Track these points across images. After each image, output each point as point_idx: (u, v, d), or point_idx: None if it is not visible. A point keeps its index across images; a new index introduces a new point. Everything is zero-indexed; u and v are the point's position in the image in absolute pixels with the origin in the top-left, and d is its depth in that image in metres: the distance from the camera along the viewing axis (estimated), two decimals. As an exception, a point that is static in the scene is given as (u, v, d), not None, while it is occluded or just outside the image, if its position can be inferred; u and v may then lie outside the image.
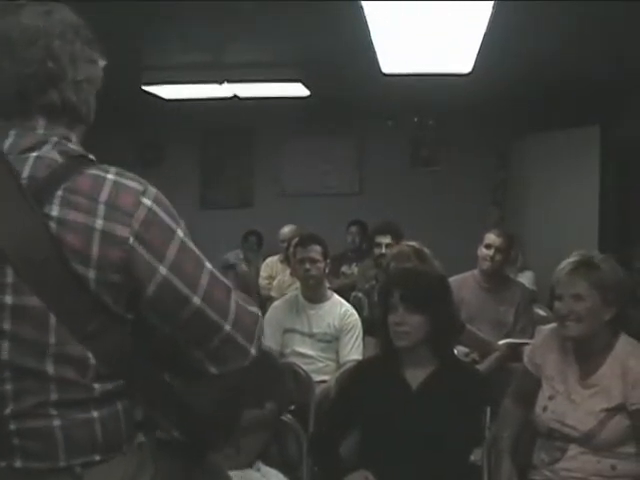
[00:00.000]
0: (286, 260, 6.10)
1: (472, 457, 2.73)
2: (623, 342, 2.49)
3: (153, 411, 1.34)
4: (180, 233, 1.27)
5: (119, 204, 1.21)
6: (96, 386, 1.23)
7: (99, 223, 1.20)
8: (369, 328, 3.88)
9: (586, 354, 2.51)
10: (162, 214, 1.25)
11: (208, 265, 1.30)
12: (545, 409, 2.54)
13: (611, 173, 6.74)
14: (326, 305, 3.98)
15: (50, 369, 1.20)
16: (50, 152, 1.25)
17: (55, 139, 1.27)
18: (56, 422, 1.22)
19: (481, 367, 3.52)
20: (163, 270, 1.23)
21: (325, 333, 3.90)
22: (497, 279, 4.32)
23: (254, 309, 1.37)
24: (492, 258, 4.23)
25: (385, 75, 4.82)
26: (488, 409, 2.94)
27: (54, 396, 1.21)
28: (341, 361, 3.86)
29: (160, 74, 5.73)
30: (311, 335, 3.91)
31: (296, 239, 4.68)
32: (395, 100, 6.98)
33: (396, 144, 8.12)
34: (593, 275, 2.44)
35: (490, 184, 8.04)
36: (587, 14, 4.08)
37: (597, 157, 6.46)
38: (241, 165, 8.42)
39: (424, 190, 8.03)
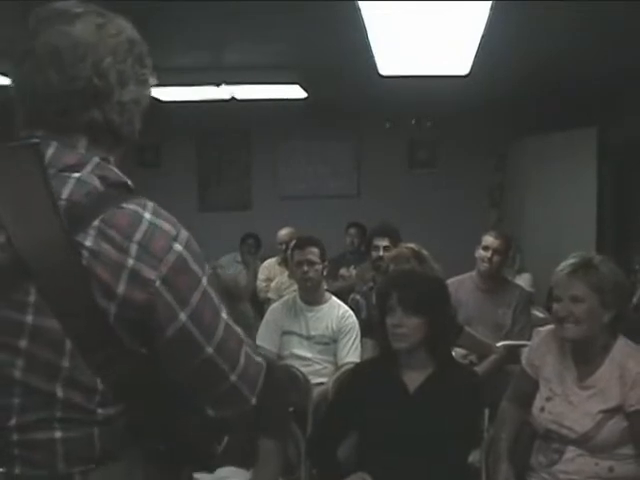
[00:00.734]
0: (284, 262, 6.09)
1: (470, 459, 2.73)
2: (621, 344, 2.49)
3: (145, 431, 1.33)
4: (204, 281, 1.26)
5: (151, 246, 1.20)
6: (100, 411, 1.23)
7: (130, 262, 1.18)
8: (367, 330, 3.88)
9: (584, 356, 2.51)
10: (191, 260, 1.24)
11: (224, 315, 1.30)
12: (543, 411, 2.54)
13: (608, 175, 6.75)
14: (324, 307, 3.98)
15: (59, 392, 1.20)
16: (90, 176, 1.22)
17: (96, 160, 1.25)
18: (57, 435, 1.21)
19: (479, 369, 3.52)
20: (183, 316, 1.22)
21: (323, 335, 3.90)
22: (495, 281, 4.32)
23: (259, 359, 1.37)
24: (490, 260, 4.24)
25: (383, 77, 4.82)
26: (486, 411, 2.94)
27: (59, 414, 1.21)
28: (339, 363, 3.86)
29: (157, 76, 5.72)
30: (309, 337, 3.91)
31: (294, 241, 4.67)
32: (393, 102, 6.98)
33: (394, 146, 8.13)
34: (592, 277, 2.44)
35: (488, 186, 8.05)
36: (584, 16, 4.09)
37: (594, 159, 6.47)
38: (239, 167, 8.42)
39: (422, 192, 8.03)
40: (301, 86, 5.91)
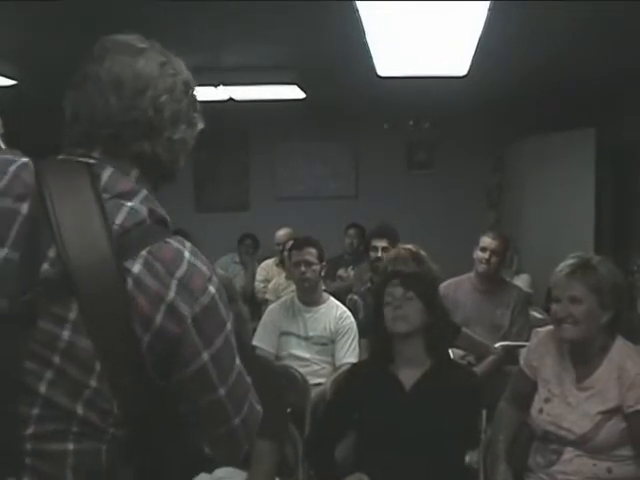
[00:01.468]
0: (282, 263, 6.09)
1: (468, 459, 2.73)
2: (619, 345, 2.49)
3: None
4: (229, 326, 1.31)
5: (190, 285, 1.24)
6: (111, 431, 1.25)
7: (170, 295, 1.22)
8: (365, 331, 3.87)
9: (582, 357, 2.51)
10: (220, 304, 1.29)
11: (238, 361, 1.35)
12: (541, 412, 2.54)
13: (606, 176, 6.75)
14: (322, 308, 3.98)
15: (79, 410, 1.22)
16: (141, 207, 1.26)
17: (145, 192, 1.29)
18: (70, 447, 1.23)
19: (477, 370, 3.51)
20: (206, 356, 1.26)
21: (321, 336, 3.90)
22: (493, 282, 4.32)
23: (259, 407, 1.41)
24: (488, 261, 4.24)
25: (381, 78, 4.82)
26: (484, 412, 2.94)
27: (75, 428, 1.23)
28: (337, 364, 3.86)
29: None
30: (307, 338, 3.91)
31: (291, 242, 4.67)
32: (391, 103, 6.98)
33: (392, 147, 8.13)
34: (590, 278, 2.44)
35: (486, 187, 8.05)
36: (584, 16, 4.09)
37: (592, 160, 6.47)
38: (237, 168, 8.42)
39: (420, 193, 8.03)
40: (299, 87, 5.91)
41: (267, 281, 6.24)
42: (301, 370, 3.59)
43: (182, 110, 1.34)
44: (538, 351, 2.65)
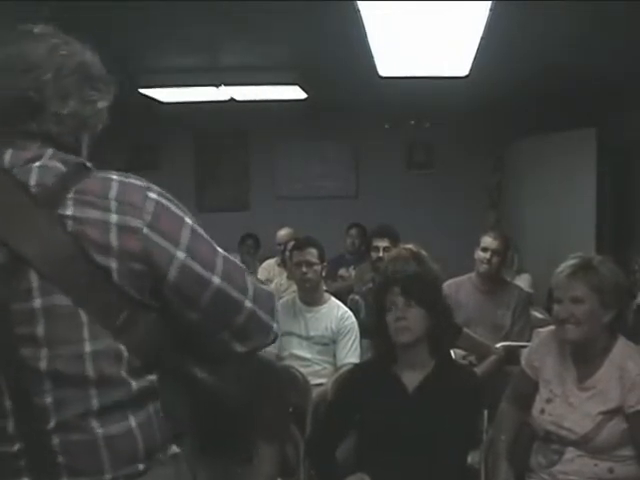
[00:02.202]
0: (283, 263, 6.09)
1: (469, 460, 2.73)
2: (621, 345, 2.49)
3: (183, 407, 1.38)
4: (188, 220, 1.32)
5: (128, 200, 1.27)
6: (132, 382, 1.26)
7: (114, 217, 1.24)
8: (366, 331, 3.87)
9: (584, 357, 2.51)
10: (169, 204, 1.31)
11: (219, 249, 1.36)
12: (542, 412, 2.54)
13: (607, 175, 6.75)
14: (323, 308, 3.98)
15: (89, 368, 1.23)
16: (52, 162, 1.29)
17: (51, 151, 1.31)
18: (99, 433, 1.24)
19: (478, 370, 3.51)
20: (181, 254, 1.28)
21: (322, 336, 3.90)
22: (494, 282, 4.32)
23: (269, 288, 1.44)
24: (489, 261, 4.24)
25: (382, 78, 4.83)
26: (485, 412, 2.94)
27: (95, 403, 1.23)
28: (338, 364, 3.86)
29: (157, 77, 5.73)
30: (308, 338, 3.91)
31: (292, 242, 4.67)
32: (392, 103, 6.98)
33: (393, 147, 8.13)
34: (592, 278, 2.44)
35: (486, 187, 8.05)
36: (584, 17, 4.09)
37: (593, 160, 6.46)
38: (238, 168, 8.42)
39: (420, 193, 8.03)
40: (300, 87, 5.91)
41: (268, 281, 6.23)
42: (302, 370, 3.59)
43: (70, 86, 1.33)
44: (539, 351, 2.65)
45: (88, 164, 1.33)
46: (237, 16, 4.14)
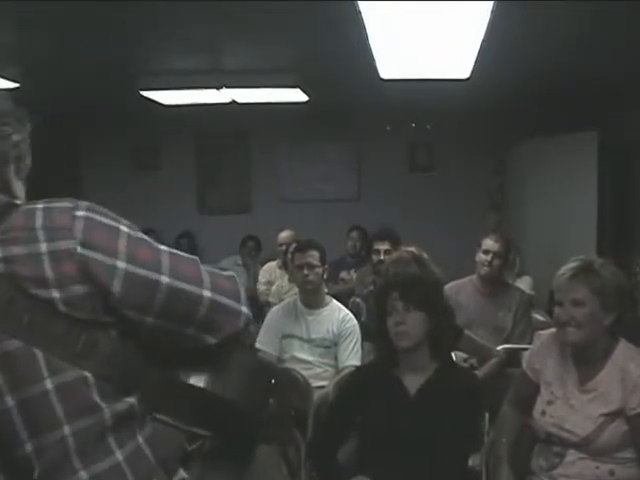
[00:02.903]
0: (284, 266, 6.09)
1: (470, 462, 2.72)
2: (622, 347, 2.49)
3: (180, 418, 1.33)
4: (124, 228, 1.29)
5: (55, 224, 1.24)
6: (104, 406, 1.22)
7: (44, 246, 1.21)
8: (367, 333, 3.87)
9: (585, 359, 2.51)
10: (100, 218, 1.28)
11: (164, 247, 1.32)
12: (543, 414, 2.54)
13: (609, 178, 6.74)
14: (325, 311, 3.98)
15: (57, 406, 1.20)
16: None
17: None
18: (84, 476, 1.21)
19: (480, 373, 3.51)
20: (121, 264, 1.24)
21: (324, 339, 3.90)
22: (495, 284, 4.32)
23: (228, 273, 1.39)
24: (490, 263, 4.23)
25: (383, 80, 4.83)
26: (486, 414, 2.93)
27: (72, 441, 1.20)
28: (339, 367, 3.86)
29: (158, 80, 5.74)
30: (309, 341, 3.91)
31: (294, 245, 4.67)
32: (393, 105, 6.98)
33: (394, 149, 8.13)
34: (593, 281, 2.44)
35: (488, 189, 8.05)
36: (585, 19, 4.09)
37: (595, 162, 6.46)
38: (239, 170, 8.42)
39: (422, 195, 8.03)
40: (302, 90, 5.91)
41: (270, 283, 6.24)
42: (303, 373, 3.59)
43: None
44: (541, 354, 2.65)
45: (17, 201, 1.32)
46: (238, 18, 4.14)
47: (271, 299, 5.71)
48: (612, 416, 2.41)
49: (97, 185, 7.64)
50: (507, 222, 7.69)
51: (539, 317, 4.69)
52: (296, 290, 4.28)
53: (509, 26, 3.82)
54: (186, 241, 7.62)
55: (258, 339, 3.90)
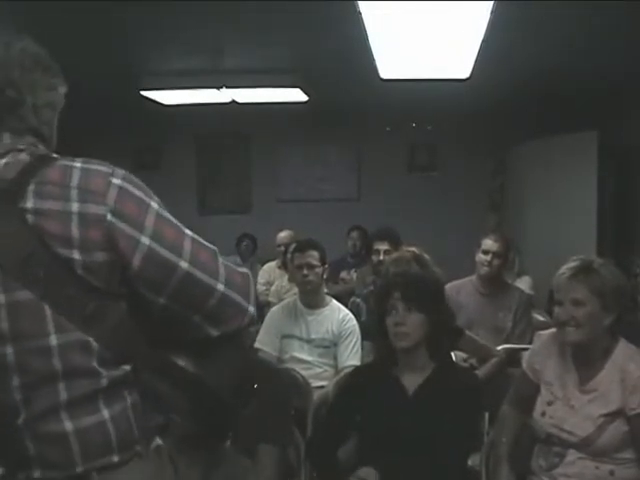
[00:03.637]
0: (284, 266, 6.09)
1: (470, 462, 2.72)
2: (622, 347, 2.49)
3: (164, 396, 1.35)
4: (154, 204, 1.31)
5: (90, 186, 1.26)
6: (103, 372, 1.25)
7: (75, 206, 1.23)
8: (367, 333, 3.87)
9: (585, 359, 2.51)
10: (133, 189, 1.30)
11: (189, 232, 1.34)
12: (543, 414, 2.53)
13: (609, 178, 6.75)
14: (324, 311, 3.98)
15: (56, 362, 1.22)
16: (19, 155, 1.29)
17: (22, 146, 1.32)
18: (69, 426, 1.23)
19: (480, 372, 3.51)
20: (145, 240, 1.26)
21: (323, 339, 3.90)
22: (495, 284, 4.31)
23: (243, 269, 1.41)
24: (490, 263, 4.23)
25: (383, 81, 4.83)
26: (486, 414, 2.93)
27: (64, 396, 1.23)
28: (339, 367, 3.85)
29: (159, 80, 5.74)
30: (309, 341, 3.91)
31: (294, 245, 4.67)
32: (393, 106, 6.99)
33: (394, 149, 8.14)
34: (593, 280, 2.44)
35: (488, 189, 8.05)
36: (585, 20, 4.09)
37: (595, 162, 6.46)
38: (239, 170, 8.43)
39: (422, 196, 8.04)
40: (302, 90, 5.91)
41: (269, 283, 6.25)
42: (303, 373, 3.59)
43: (37, 78, 1.36)
44: (541, 354, 2.65)
45: (54, 155, 1.33)
46: (239, 18, 4.14)
47: (271, 299, 5.72)
48: (612, 416, 2.41)
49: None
50: (507, 222, 7.69)
51: (539, 317, 4.69)
52: (296, 290, 4.28)
53: (509, 26, 3.82)
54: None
55: (258, 339, 3.90)
